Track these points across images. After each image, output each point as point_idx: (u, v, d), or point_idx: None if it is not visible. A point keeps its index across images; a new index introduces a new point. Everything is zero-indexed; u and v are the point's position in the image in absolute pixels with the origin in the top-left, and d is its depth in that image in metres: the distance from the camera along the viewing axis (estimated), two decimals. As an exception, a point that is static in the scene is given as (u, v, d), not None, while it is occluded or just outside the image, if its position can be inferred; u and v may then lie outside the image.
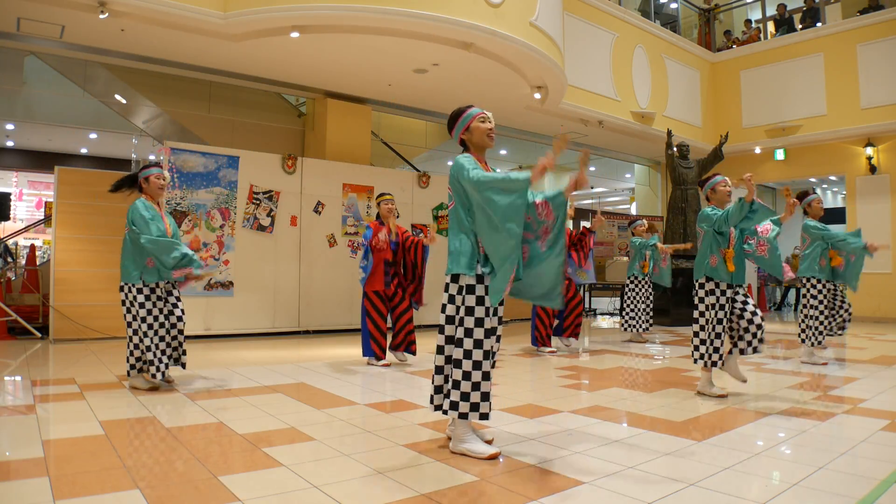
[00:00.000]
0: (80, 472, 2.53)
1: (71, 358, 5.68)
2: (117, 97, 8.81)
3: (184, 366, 4.44)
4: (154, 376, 4.17)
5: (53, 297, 6.84)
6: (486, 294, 2.77)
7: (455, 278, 2.82)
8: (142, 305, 4.16)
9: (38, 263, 8.68)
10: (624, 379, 4.97)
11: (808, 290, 5.61)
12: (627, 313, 7.50)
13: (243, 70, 7.90)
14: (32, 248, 9.55)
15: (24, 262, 9.20)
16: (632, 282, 7.51)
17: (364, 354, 5.49)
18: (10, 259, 9.36)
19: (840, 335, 5.77)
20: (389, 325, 5.61)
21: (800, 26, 11.85)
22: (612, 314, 12.20)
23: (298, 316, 7.96)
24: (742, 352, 4.18)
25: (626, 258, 12.01)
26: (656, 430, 3.30)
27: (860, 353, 6.41)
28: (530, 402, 4.00)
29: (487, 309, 2.77)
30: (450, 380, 2.81)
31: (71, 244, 6.95)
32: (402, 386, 4.59)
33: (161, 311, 4.26)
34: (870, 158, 10.77)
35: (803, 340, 5.62)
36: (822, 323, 5.55)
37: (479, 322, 2.75)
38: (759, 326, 4.11)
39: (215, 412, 3.61)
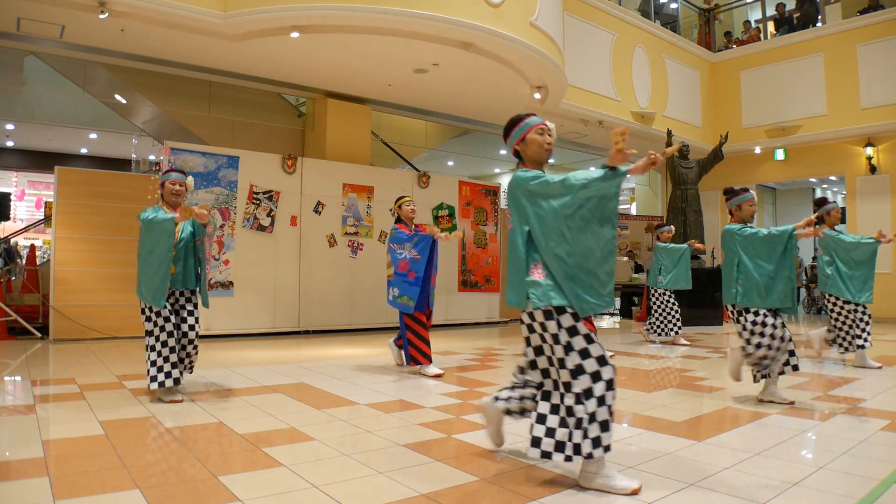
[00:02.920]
0: (80, 472, 2.53)
1: (71, 358, 5.68)
2: (117, 97, 8.81)
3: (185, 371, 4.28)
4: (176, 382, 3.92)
5: (53, 297, 6.84)
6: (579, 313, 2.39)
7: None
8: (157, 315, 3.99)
9: (38, 263, 8.67)
10: (624, 379, 4.97)
11: (831, 305, 5.61)
12: (655, 319, 7.27)
13: (243, 70, 7.90)
14: (32, 248, 9.55)
15: (23, 262, 9.20)
16: (654, 292, 7.29)
17: (407, 363, 5.18)
18: (19, 259, 9.32)
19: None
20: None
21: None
22: (611, 314, 12.19)
23: (298, 316, 7.96)
24: (781, 372, 3.98)
25: (625, 258, 12.02)
26: (656, 430, 3.30)
27: (860, 353, 6.41)
28: (530, 402, 4.00)
29: (588, 336, 2.39)
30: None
31: (71, 244, 6.94)
32: (402, 386, 4.59)
33: (173, 325, 4.00)
34: (870, 158, 10.77)
35: (846, 349, 5.62)
36: (849, 331, 5.54)
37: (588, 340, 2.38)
38: (792, 351, 3.94)
39: (215, 412, 3.61)
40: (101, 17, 5.86)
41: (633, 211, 16.10)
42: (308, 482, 2.43)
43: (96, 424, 3.27)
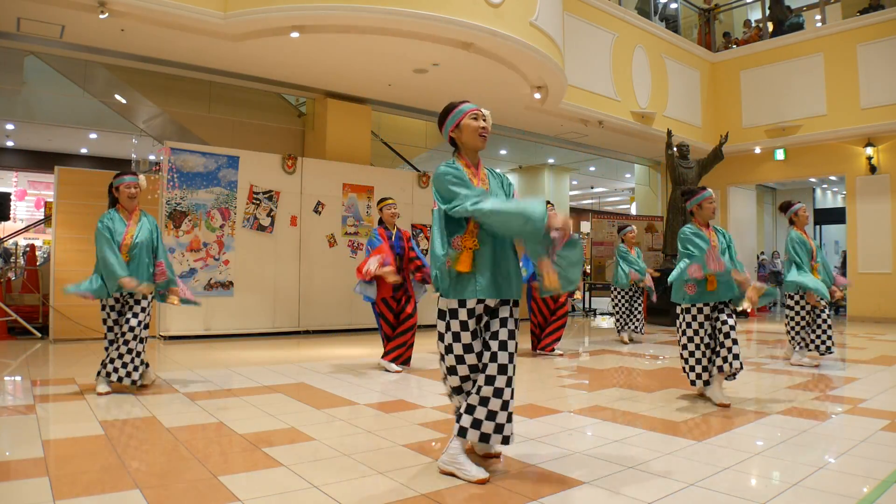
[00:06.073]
0: (80, 472, 2.53)
1: (71, 358, 5.68)
2: (117, 97, 8.81)
3: (108, 375, 4.06)
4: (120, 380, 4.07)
5: (53, 297, 6.84)
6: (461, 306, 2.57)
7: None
8: (106, 310, 4.22)
9: (38, 263, 8.67)
10: (624, 379, 4.97)
11: (788, 302, 5.62)
12: (618, 317, 7.57)
13: (243, 70, 7.90)
14: (32, 248, 9.55)
15: (23, 262, 9.19)
16: (614, 288, 7.57)
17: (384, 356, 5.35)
18: (12, 259, 9.31)
19: (827, 353, 5.51)
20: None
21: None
22: (611, 314, 12.20)
23: (298, 316, 7.96)
24: (720, 369, 3.94)
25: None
26: (656, 430, 3.30)
27: (860, 353, 6.42)
28: (530, 402, 4.00)
29: (464, 322, 2.57)
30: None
31: (71, 244, 6.94)
32: (402, 386, 4.59)
33: (115, 322, 4.21)
34: (870, 158, 10.76)
35: (795, 344, 5.67)
36: (803, 329, 5.55)
37: (457, 337, 2.59)
38: (731, 348, 3.90)
39: (215, 412, 3.61)
40: (101, 17, 5.86)
41: (633, 211, 16.10)
42: (308, 482, 2.43)
43: (96, 424, 3.27)
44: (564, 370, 5.36)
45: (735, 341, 3.90)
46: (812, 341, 5.46)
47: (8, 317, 6.97)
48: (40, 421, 3.35)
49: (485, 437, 2.48)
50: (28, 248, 9.56)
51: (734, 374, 4.00)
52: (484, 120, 2.72)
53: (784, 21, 11.94)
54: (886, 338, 7.98)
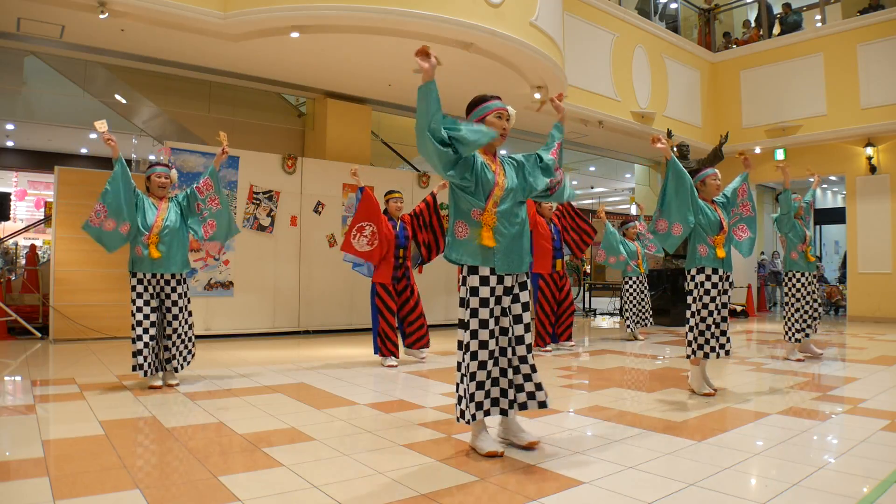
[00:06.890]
0: (80, 472, 2.53)
1: (71, 358, 5.68)
2: (117, 97, 8.80)
3: (176, 370, 4.39)
4: (146, 373, 4.25)
5: (53, 297, 6.84)
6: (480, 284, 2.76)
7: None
8: (137, 294, 4.24)
9: (38, 263, 8.67)
10: (624, 379, 4.97)
11: (787, 283, 5.79)
12: (625, 312, 7.73)
13: (243, 70, 7.90)
14: (32, 247, 9.55)
15: (24, 262, 9.20)
16: (626, 281, 7.72)
17: (375, 352, 5.45)
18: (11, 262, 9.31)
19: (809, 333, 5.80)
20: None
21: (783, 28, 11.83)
22: (612, 314, 12.19)
23: (298, 316, 7.96)
24: (706, 355, 4.20)
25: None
26: (656, 430, 3.30)
27: (860, 353, 6.41)
28: (530, 402, 4.00)
29: (484, 300, 2.74)
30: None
31: (71, 244, 6.94)
32: (402, 386, 4.59)
33: (153, 309, 4.25)
34: (870, 158, 10.76)
35: (788, 339, 5.79)
36: (797, 317, 5.66)
37: (474, 313, 2.75)
38: (720, 324, 4.19)
39: (215, 412, 3.61)
40: (101, 17, 5.86)
41: (634, 211, 16.09)
42: (308, 482, 2.43)
43: (96, 424, 3.27)
44: (564, 370, 5.36)
45: (719, 324, 4.16)
46: (805, 327, 5.67)
47: (8, 317, 6.98)
48: (40, 421, 3.36)
49: (542, 404, 2.87)
50: (29, 249, 9.57)
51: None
52: (507, 120, 2.85)
53: (782, 20, 11.92)
54: (886, 338, 7.98)
